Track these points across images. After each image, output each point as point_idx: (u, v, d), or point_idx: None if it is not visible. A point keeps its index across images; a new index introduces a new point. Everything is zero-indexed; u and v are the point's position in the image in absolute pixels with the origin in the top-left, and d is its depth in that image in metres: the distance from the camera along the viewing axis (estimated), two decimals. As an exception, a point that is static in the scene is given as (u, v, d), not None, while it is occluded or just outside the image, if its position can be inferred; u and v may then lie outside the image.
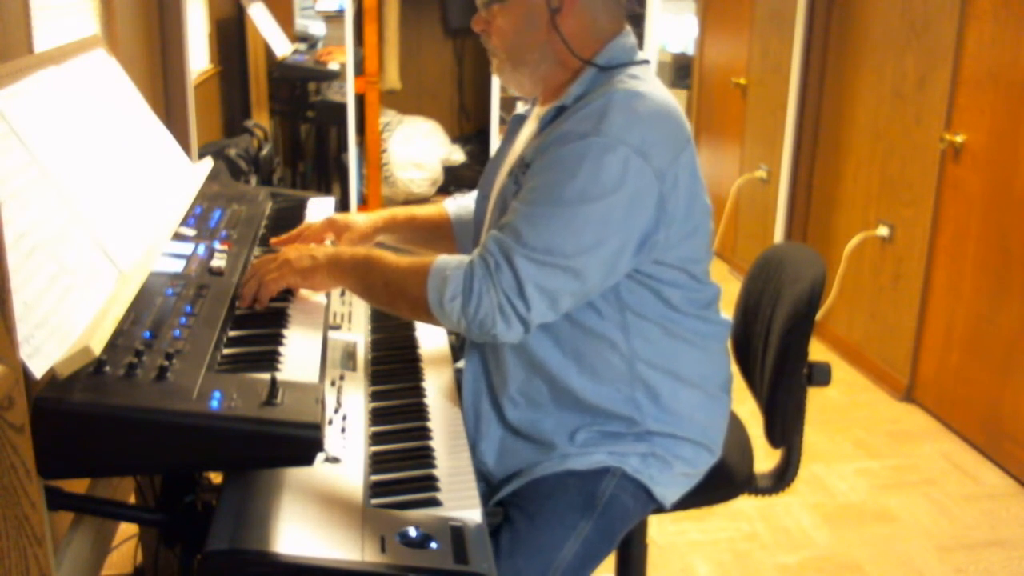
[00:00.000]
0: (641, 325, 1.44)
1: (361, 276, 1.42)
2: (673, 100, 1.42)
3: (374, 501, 1.19)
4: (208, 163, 1.94)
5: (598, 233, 1.32)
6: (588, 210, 1.31)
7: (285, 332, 1.33)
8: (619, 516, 1.45)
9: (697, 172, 1.42)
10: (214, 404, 1.06)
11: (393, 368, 1.57)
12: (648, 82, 1.42)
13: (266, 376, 1.12)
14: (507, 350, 1.47)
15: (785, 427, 1.66)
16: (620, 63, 1.44)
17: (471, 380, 1.52)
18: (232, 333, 1.30)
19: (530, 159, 1.41)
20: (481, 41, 1.51)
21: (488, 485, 1.50)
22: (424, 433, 1.38)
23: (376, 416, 1.41)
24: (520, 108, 1.66)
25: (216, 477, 1.32)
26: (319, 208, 1.90)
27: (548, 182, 1.34)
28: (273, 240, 1.66)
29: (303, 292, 1.48)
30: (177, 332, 1.20)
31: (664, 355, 1.46)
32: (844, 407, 3.37)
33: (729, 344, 1.61)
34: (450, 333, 1.75)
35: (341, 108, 4.44)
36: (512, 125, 1.65)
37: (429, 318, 1.37)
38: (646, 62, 1.47)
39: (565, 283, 1.33)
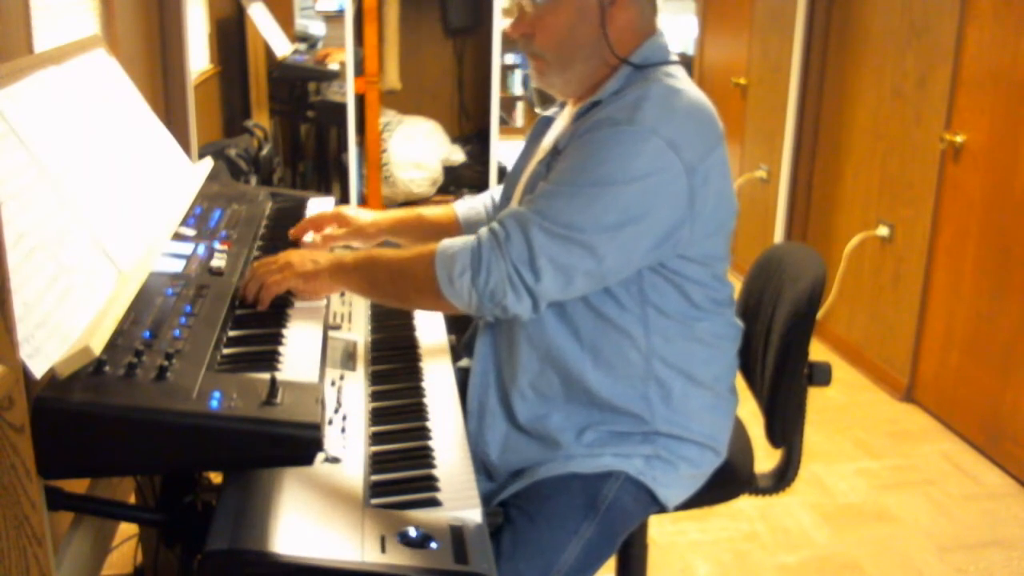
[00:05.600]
0: (661, 322, 1.44)
1: (366, 274, 1.42)
2: (707, 100, 1.43)
3: (374, 501, 1.19)
4: (208, 163, 1.93)
5: (620, 215, 1.32)
6: (613, 192, 1.31)
7: (285, 332, 1.33)
8: (621, 519, 1.45)
9: (727, 171, 1.43)
10: (214, 404, 1.06)
11: (393, 368, 1.57)
12: (683, 81, 1.43)
13: (266, 376, 1.12)
14: (523, 341, 1.47)
15: (785, 427, 1.66)
16: (655, 62, 1.44)
17: (479, 373, 1.52)
18: (232, 333, 1.30)
19: (563, 146, 1.41)
20: (520, 46, 1.48)
21: (490, 478, 1.50)
22: (424, 433, 1.38)
23: (376, 416, 1.41)
24: (548, 111, 1.66)
25: (216, 477, 1.32)
26: (319, 208, 1.90)
27: (576, 165, 1.35)
28: (292, 232, 1.68)
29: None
30: (177, 332, 1.20)
31: (681, 355, 1.46)
32: (844, 407, 3.37)
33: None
34: (450, 332, 1.75)
35: (341, 108, 4.44)
36: (538, 126, 1.65)
37: (439, 301, 1.37)
38: (678, 63, 1.48)
39: (580, 260, 1.32)
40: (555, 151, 1.44)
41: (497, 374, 1.52)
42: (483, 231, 1.35)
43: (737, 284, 1.75)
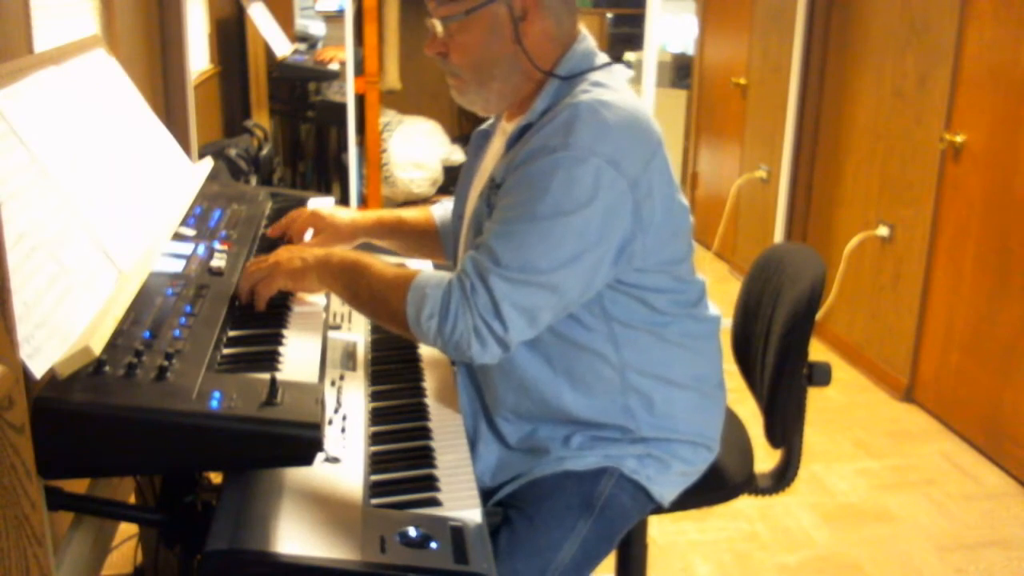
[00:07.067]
0: (630, 335, 1.43)
1: (348, 281, 1.40)
2: (640, 105, 1.39)
3: (374, 501, 1.19)
4: (208, 163, 1.93)
5: (574, 247, 1.30)
6: (563, 224, 1.29)
7: (285, 332, 1.33)
8: (617, 517, 1.45)
9: (670, 174, 1.40)
10: (214, 404, 1.06)
11: (393, 368, 1.57)
12: (612, 88, 1.39)
13: (266, 376, 1.12)
14: (495, 374, 1.47)
15: (785, 427, 1.66)
16: (581, 71, 1.41)
17: (466, 400, 1.52)
18: (232, 333, 1.30)
19: (500, 179, 1.39)
20: (441, 65, 1.46)
21: (486, 495, 1.50)
22: (424, 433, 1.38)
23: (376, 416, 1.41)
24: (485, 124, 1.63)
25: (216, 477, 1.32)
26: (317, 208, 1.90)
27: (520, 200, 1.32)
28: (269, 231, 1.67)
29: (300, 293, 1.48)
30: (177, 332, 1.20)
31: (656, 362, 1.46)
32: (844, 407, 3.37)
33: (728, 342, 1.60)
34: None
35: (341, 108, 4.43)
36: (476, 141, 1.63)
37: (407, 333, 1.35)
38: (608, 64, 1.44)
39: (543, 300, 1.31)
40: (493, 183, 1.41)
41: (481, 401, 1.52)
42: (454, 278, 1.33)
43: (737, 284, 1.75)
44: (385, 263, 1.41)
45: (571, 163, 1.29)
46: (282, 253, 1.44)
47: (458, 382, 1.53)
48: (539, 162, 1.31)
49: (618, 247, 1.35)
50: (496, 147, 1.53)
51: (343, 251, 1.46)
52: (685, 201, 1.45)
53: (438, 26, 1.42)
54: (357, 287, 1.40)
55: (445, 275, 1.35)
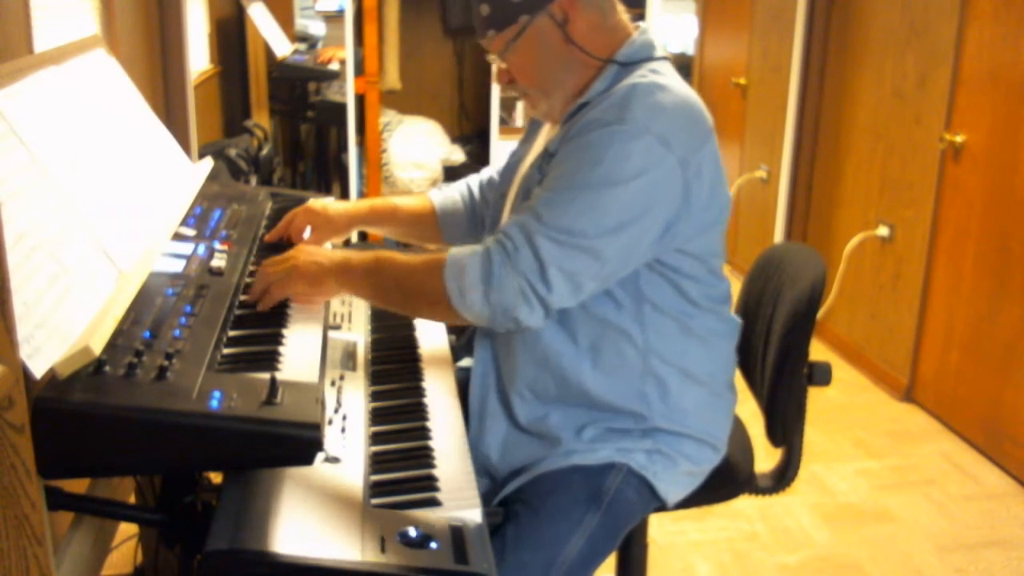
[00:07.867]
0: (657, 319, 1.44)
1: (373, 281, 1.41)
2: (695, 94, 1.43)
3: (374, 501, 1.19)
4: (208, 163, 1.93)
5: (620, 217, 1.32)
6: (611, 194, 1.32)
7: (285, 332, 1.33)
8: (624, 512, 1.45)
9: (720, 164, 1.43)
10: (214, 404, 1.06)
11: (393, 368, 1.57)
12: (669, 77, 1.42)
13: (266, 376, 1.12)
14: (519, 345, 1.47)
15: (785, 427, 1.66)
16: (640, 59, 1.45)
17: (480, 374, 1.52)
18: (232, 333, 1.30)
19: (554, 149, 1.42)
20: (511, 90, 1.51)
21: (491, 479, 1.50)
22: (424, 433, 1.38)
23: (376, 416, 1.41)
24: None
25: (216, 477, 1.32)
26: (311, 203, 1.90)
27: (571, 169, 1.35)
28: (267, 237, 1.66)
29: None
30: (177, 332, 1.20)
31: (677, 351, 1.47)
32: (844, 407, 3.37)
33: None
34: (450, 332, 1.75)
35: (341, 108, 4.44)
36: (532, 126, 1.66)
37: (449, 313, 1.36)
38: (666, 59, 1.48)
39: (586, 265, 1.33)
40: (547, 154, 1.44)
41: (496, 376, 1.52)
42: (490, 242, 1.34)
43: (737, 284, 1.75)
44: (405, 254, 1.42)
45: (625, 137, 1.32)
46: (300, 256, 1.43)
47: (476, 354, 1.53)
48: (593, 134, 1.34)
49: (664, 224, 1.37)
50: (550, 127, 1.56)
51: (359, 253, 1.46)
52: (730, 195, 1.48)
53: (496, 59, 1.47)
54: (384, 283, 1.40)
55: (477, 246, 1.36)
